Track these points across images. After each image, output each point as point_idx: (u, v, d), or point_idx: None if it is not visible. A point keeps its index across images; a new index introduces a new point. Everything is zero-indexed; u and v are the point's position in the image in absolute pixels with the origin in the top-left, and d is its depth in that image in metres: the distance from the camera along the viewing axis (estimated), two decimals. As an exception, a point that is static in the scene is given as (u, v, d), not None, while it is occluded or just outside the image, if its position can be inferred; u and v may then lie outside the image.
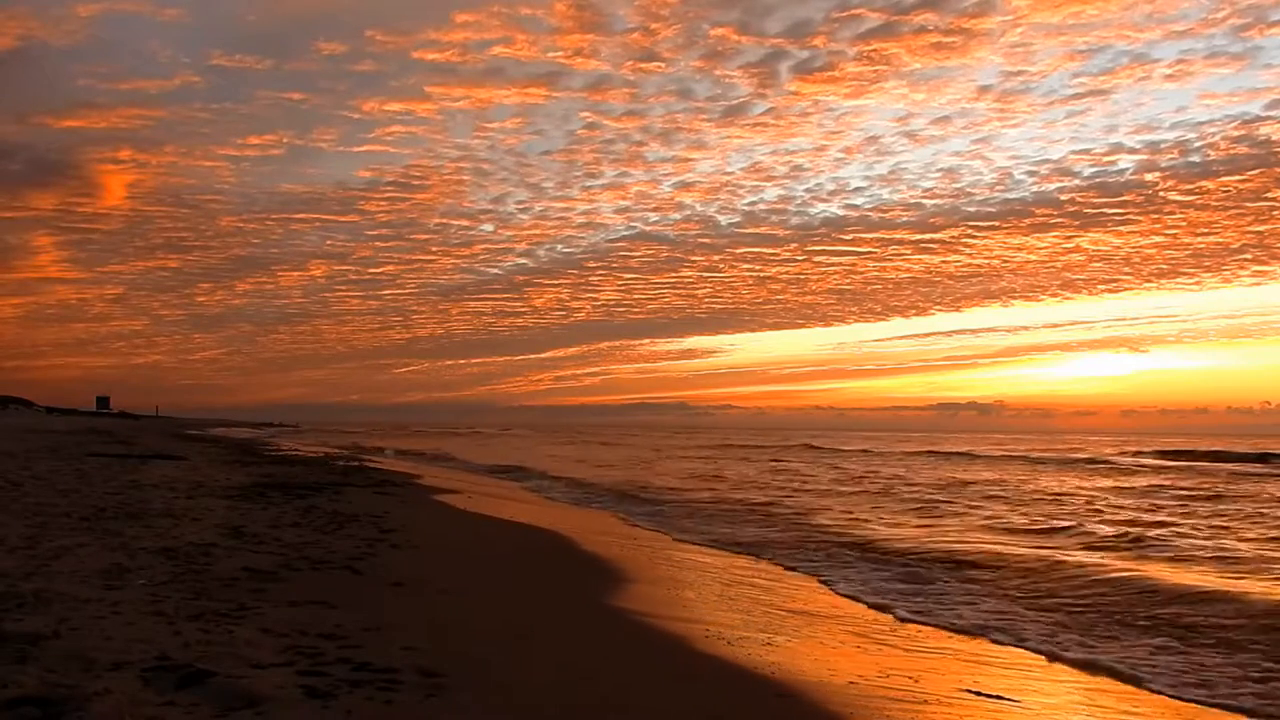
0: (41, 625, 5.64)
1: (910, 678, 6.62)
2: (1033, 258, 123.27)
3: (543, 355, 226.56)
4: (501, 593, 8.94)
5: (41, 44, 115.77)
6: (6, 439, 33.52)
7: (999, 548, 13.71)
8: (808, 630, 8.29)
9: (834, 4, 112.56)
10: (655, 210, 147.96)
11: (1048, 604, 9.94)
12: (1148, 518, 18.20)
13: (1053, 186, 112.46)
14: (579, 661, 6.31)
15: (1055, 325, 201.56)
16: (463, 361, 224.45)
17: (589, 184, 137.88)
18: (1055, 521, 17.29)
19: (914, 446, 65.78)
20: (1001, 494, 24.40)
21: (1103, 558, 12.82)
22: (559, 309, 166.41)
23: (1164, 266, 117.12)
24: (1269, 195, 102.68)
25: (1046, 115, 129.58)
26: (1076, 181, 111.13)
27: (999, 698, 6.27)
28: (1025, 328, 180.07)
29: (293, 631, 6.06)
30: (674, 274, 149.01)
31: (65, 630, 5.58)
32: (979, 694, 6.32)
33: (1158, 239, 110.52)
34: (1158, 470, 36.36)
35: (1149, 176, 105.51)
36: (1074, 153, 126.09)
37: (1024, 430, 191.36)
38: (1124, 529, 15.87)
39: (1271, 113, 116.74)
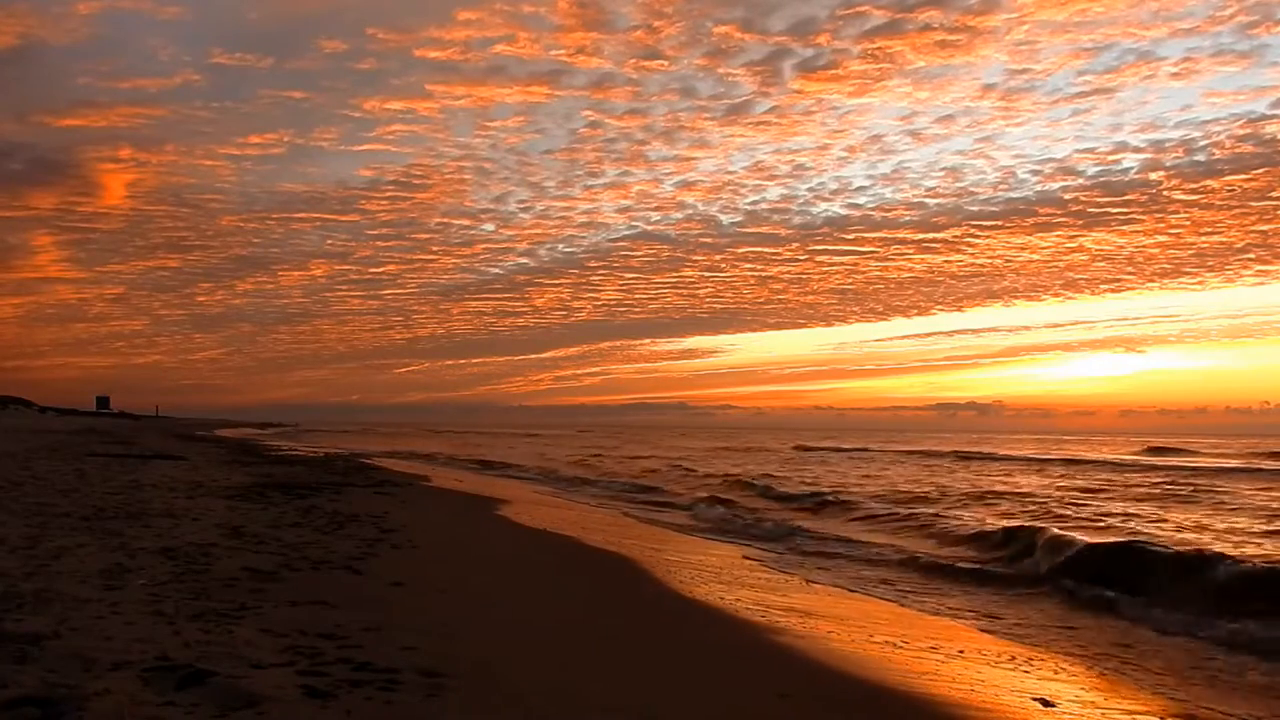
0: (41, 625, 5.64)
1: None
2: (1035, 257, 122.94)
3: (543, 355, 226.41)
4: (503, 592, 8.94)
5: (41, 42, 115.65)
6: (6, 439, 33.52)
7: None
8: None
9: (838, 2, 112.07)
10: (657, 210, 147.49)
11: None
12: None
13: (1056, 185, 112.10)
14: (581, 660, 6.31)
15: (1057, 325, 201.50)
16: (463, 361, 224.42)
17: (590, 183, 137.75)
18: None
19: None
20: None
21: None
22: (560, 309, 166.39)
23: (1167, 266, 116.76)
24: (1274, 194, 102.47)
25: (1051, 114, 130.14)
26: (1080, 180, 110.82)
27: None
28: (1027, 328, 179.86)
29: (293, 631, 6.06)
30: (675, 274, 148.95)
31: (65, 630, 5.58)
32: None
33: (1161, 238, 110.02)
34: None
35: (1153, 175, 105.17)
36: (1078, 151, 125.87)
37: (1022, 430, 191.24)
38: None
39: (1278, 111, 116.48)
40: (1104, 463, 40.64)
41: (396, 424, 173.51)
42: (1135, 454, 53.22)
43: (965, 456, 48.02)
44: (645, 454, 49.28)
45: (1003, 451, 55.44)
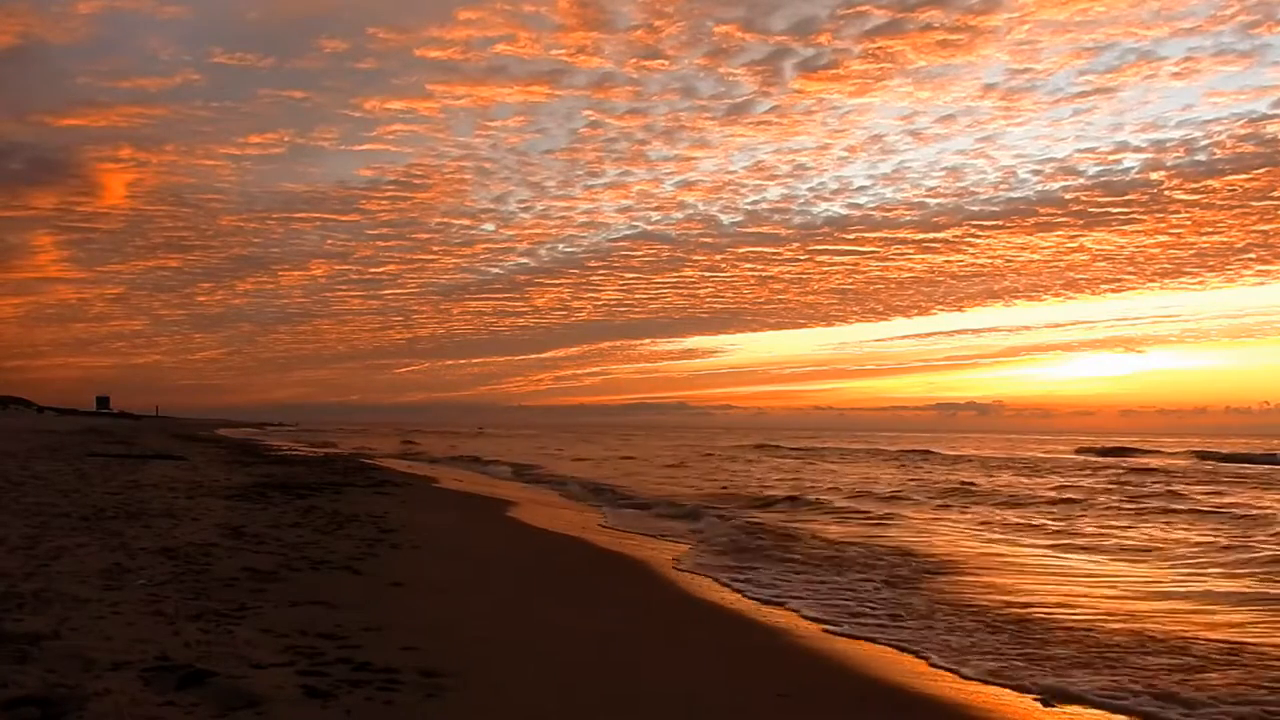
0: (41, 625, 5.63)
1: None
2: (1036, 257, 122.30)
3: (543, 355, 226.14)
4: (502, 591, 8.94)
5: (41, 42, 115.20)
6: (6, 439, 33.53)
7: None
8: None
9: (839, 1, 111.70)
10: (657, 209, 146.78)
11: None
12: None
13: (1057, 185, 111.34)
14: (580, 659, 6.31)
15: (1057, 325, 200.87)
16: (464, 361, 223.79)
17: (591, 183, 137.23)
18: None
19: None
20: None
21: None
22: (560, 309, 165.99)
23: (1168, 266, 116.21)
24: (1275, 194, 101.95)
25: (1052, 113, 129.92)
26: (1081, 180, 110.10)
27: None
28: (1027, 328, 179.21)
29: (293, 631, 6.06)
30: (676, 273, 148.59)
31: (65, 630, 5.58)
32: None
33: (1162, 238, 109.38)
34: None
35: (1154, 175, 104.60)
36: (1079, 151, 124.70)
37: (1022, 430, 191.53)
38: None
39: (1279, 111, 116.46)
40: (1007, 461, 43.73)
41: (392, 424, 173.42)
42: (1067, 453, 54.37)
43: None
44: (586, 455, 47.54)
45: (942, 450, 57.12)
